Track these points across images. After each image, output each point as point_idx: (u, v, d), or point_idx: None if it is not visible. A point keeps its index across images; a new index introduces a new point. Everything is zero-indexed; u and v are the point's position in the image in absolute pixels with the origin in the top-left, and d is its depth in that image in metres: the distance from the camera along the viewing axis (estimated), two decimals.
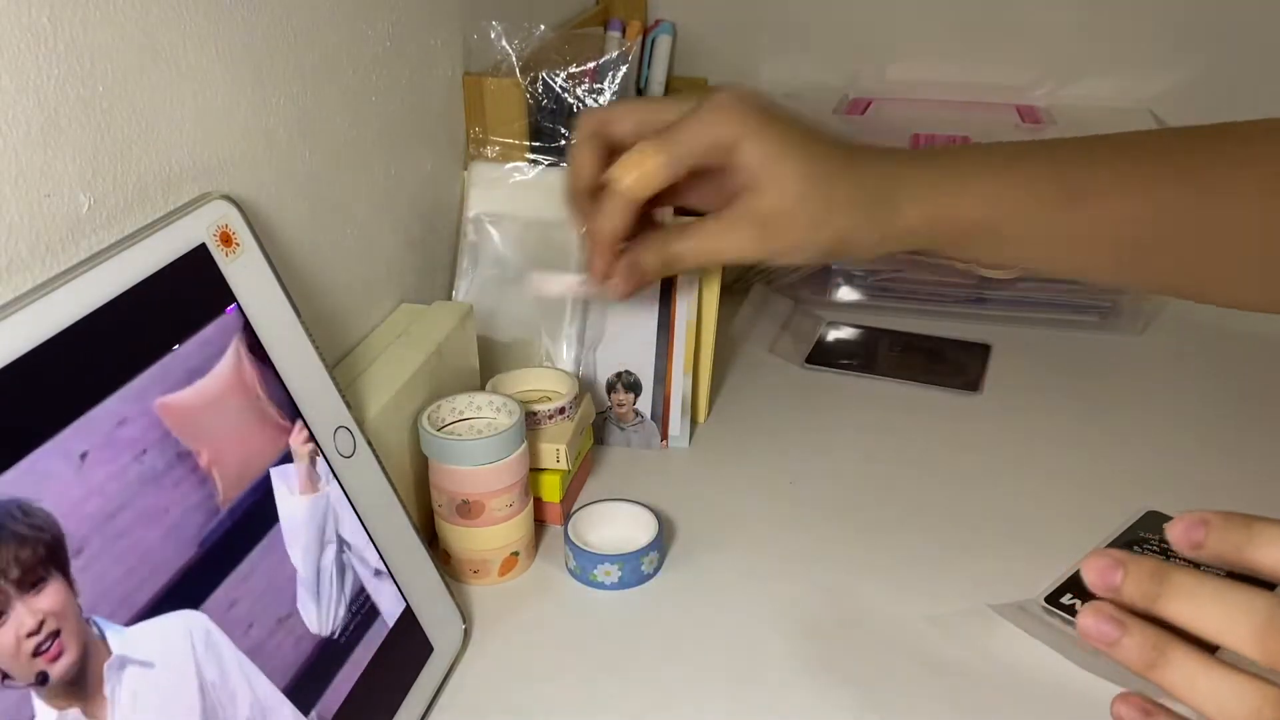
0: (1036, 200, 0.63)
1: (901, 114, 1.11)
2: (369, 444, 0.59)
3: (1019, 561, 0.70)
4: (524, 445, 0.68)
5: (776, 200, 0.62)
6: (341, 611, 0.54)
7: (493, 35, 0.85)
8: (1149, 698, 0.43)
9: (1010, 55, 1.16)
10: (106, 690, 0.41)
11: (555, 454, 0.72)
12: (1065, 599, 0.66)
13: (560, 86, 0.85)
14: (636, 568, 0.68)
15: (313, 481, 0.54)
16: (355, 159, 0.71)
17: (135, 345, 0.46)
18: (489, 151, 0.86)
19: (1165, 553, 0.70)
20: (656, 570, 0.70)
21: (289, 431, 0.53)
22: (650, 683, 0.61)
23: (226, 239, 0.52)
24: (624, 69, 0.86)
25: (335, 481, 0.56)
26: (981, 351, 0.97)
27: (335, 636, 0.53)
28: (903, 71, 1.20)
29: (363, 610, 0.55)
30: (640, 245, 0.66)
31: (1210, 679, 0.38)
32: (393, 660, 0.57)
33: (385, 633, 0.57)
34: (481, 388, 0.75)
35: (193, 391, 0.48)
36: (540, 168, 0.84)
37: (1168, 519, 0.74)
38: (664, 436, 0.83)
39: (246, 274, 0.53)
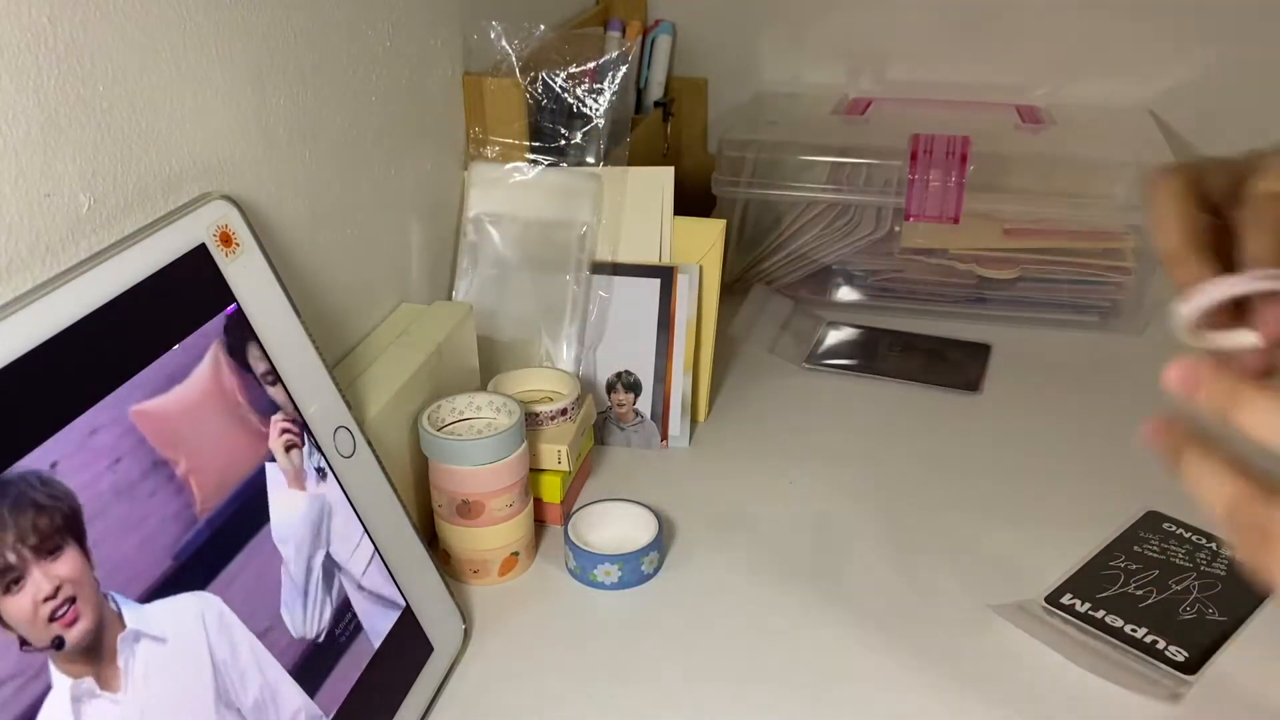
0: None
1: (901, 114, 1.11)
2: (369, 444, 0.59)
3: (1019, 561, 0.70)
4: (524, 445, 0.68)
5: None
6: (327, 615, 0.53)
7: (493, 35, 0.85)
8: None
9: (1010, 55, 1.16)
10: (120, 662, 0.42)
11: (556, 455, 0.72)
12: (1065, 599, 0.66)
13: (560, 86, 0.85)
14: (636, 568, 0.68)
15: (300, 478, 0.53)
16: (355, 159, 0.71)
17: (135, 345, 0.46)
18: (489, 151, 0.86)
19: (1165, 552, 0.70)
20: (656, 570, 0.70)
21: (269, 438, 0.52)
22: (650, 683, 0.61)
23: (226, 239, 0.52)
24: (624, 69, 0.86)
25: (335, 481, 0.56)
26: (981, 351, 0.97)
27: (319, 639, 0.52)
28: (903, 71, 1.20)
29: (355, 617, 0.55)
30: None
31: None
32: (393, 660, 0.57)
33: (385, 633, 0.57)
34: (482, 388, 0.75)
35: (170, 398, 0.47)
36: (540, 168, 0.84)
37: (1168, 519, 0.75)
38: (664, 436, 0.83)
39: (246, 274, 0.53)
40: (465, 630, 0.63)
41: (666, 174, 0.84)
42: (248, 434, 0.51)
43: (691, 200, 0.97)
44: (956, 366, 0.95)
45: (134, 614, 0.43)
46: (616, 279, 0.83)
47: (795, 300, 1.04)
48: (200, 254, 0.51)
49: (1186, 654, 0.62)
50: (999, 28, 1.15)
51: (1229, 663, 0.62)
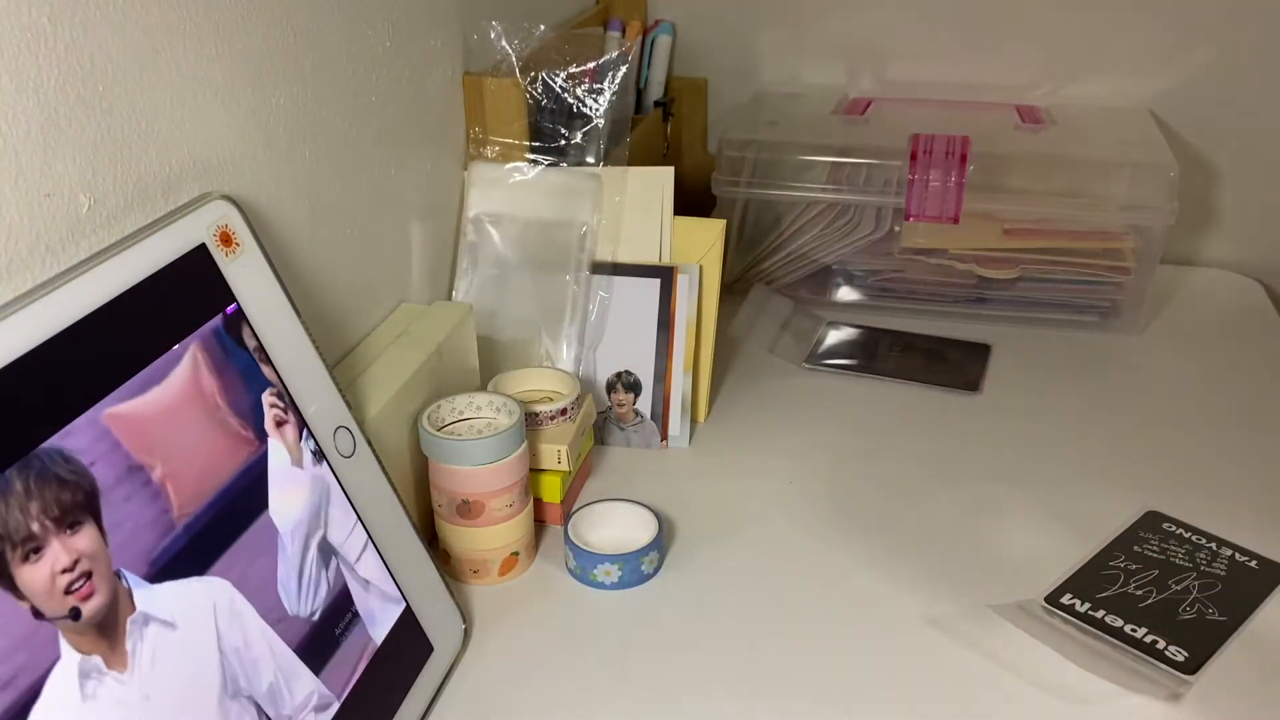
0: None
1: (901, 114, 1.11)
2: (369, 444, 0.59)
3: (1019, 561, 0.70)
4: (524, 445, 0.68)
5: None
6: (322, 594, 0.53)
7: (493, 35, 0.85)
8: None
9: (1010, 55, 1.16)
10: (129, 644, 0.42)
11: (556, 455, 0.72)
12: (1065, 599, 0.66)
13: (560, 86, 0.85)
14: (636, 568, 0.68)
15: (298, 454, 0.53)
16: (355, 159, 0.71)
17: (136, 345, 0.46)
18: (489, 151, 0.86)
19: (1165, 552, 0.70)
20: (656, 570, 0.70)
21: (253, 444, 0.51)
22: (650, 683, 0.61)
23: (226, 239, 0.52)
24: (624, 69, 0.86)
25: (335, 479, 0.56)
26: (981, 351, 0.97)
27: (315, 618, 0.52)
28: (903, 71, 1.20)
29: (355, 611, 0.55)
30: None
31: None
32: (393, 659, 0.57)
33: (385, 632, 0.57)
34: (482, 388, 0.75)
35: (145, 401, 0.46)
36: (540, 168, 0.84)
37: (1168, 519, 0.75)
38: (664, 436, 0.83)
39: (246, 274, 0.53)
40: (465, 630, 0.63)
41: (666, 174, 0.84)
42: (228, 437, 0.50)
43: (691, 200, 0.97)
44: (956, 366, 0.95)
45: (144, 595, 0.44)
46: (616, 279, 0.83)
47: (795, 300, 1.04)
48: (200, 254, 0.51)
49: (1186, 654, 0.62)
50: (999, 28, 1.15)
51: (1229, 663, 0.62)
